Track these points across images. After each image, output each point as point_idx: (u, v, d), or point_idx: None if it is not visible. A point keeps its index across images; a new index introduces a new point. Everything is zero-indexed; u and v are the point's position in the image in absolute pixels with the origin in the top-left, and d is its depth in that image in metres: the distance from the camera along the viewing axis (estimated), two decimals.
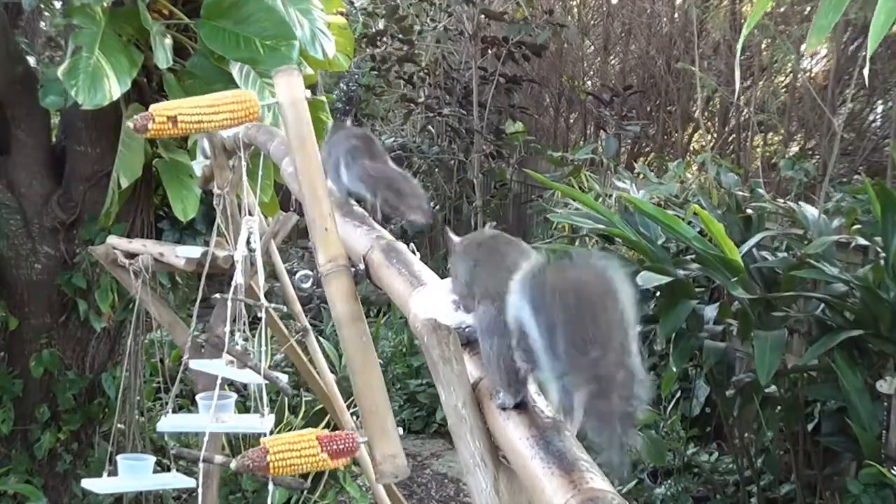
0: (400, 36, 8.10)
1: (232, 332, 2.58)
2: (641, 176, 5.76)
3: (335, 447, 1.83)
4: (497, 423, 1.23)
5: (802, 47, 6.42)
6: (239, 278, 2.55)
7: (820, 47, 6.88)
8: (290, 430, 4.56)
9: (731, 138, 7.68)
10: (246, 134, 2.79)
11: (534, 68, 8.81)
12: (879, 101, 7.01)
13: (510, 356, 1.20)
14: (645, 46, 8.57)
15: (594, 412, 1.05)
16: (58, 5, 4.12)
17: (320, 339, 3.79)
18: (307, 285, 2.44)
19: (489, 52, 8.00)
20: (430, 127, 8.65)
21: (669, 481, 4.85)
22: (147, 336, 4.33)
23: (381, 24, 8.51)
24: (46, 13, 4.49)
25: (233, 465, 1.87)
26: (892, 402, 3.82)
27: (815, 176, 5.41)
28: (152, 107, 2.01)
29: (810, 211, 4.42)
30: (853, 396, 3.66)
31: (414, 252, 1.83)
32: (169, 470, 2.99)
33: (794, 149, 6.93)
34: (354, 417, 3.89)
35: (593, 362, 1.04)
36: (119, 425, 3.91)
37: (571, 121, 9.41)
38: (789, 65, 6.97)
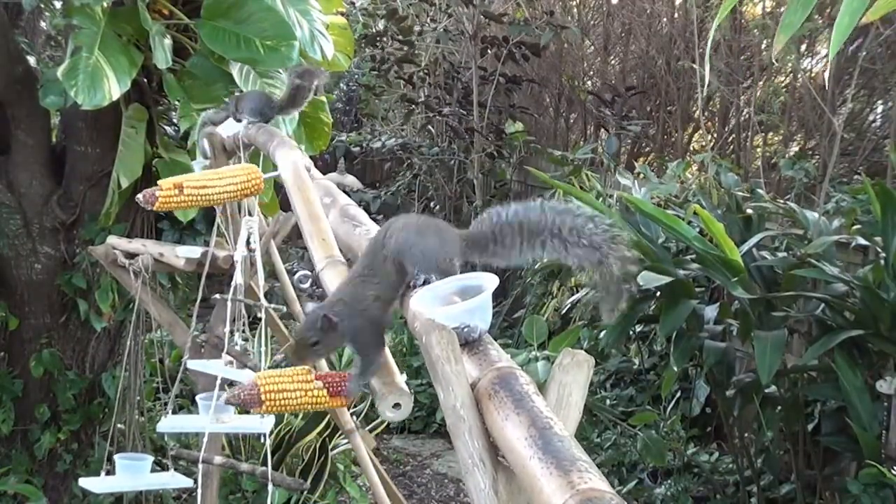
0: (400, 37, 8.10)
1: (232, 332, 2.59)
2: (642, 176, 5.75)
3: (331, 382, 1.74)
4: (496, 422, 1.23)
5: (803, 47, 6.42)
6: (239, 278, 2.55)
7: (820, 47, 6.89)
8: (290, 430, 4.56)
9: (731, 138, 7.67)
10: (246, 134, 2.80)
11: (534, 68, 8.80)
12: (879, 101, 7.01)
13: None
14: (645, 46, 8.56)
15: None
16: (58, 5, 4.12)
17: None
18: (307, 285, 2.44)
19: (489, 52, 8.00)
20: (430, 127, 8.65)
21: (669, 481, 4.85)
22: (147, 336, 4.33)
23: (381, 25, 8.50)
24: (46, 13, 4.49)
25: (223, 398, 1.79)
26: (892, 402, 3.82)
27: (815, 176, 5.41)
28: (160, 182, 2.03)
29: (810, 211, 4.42)
30: (853, 396, 3.66)
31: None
32: (168, 470, 2.99)
33: (794, 149, 6.92)
34: (355, 417, 3.90)
35: None
36: (119, 425, 3.92)
37: (571, 121, 9.41)
38: (789, 65, 6.96)
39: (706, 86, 6.51)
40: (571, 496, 1.01)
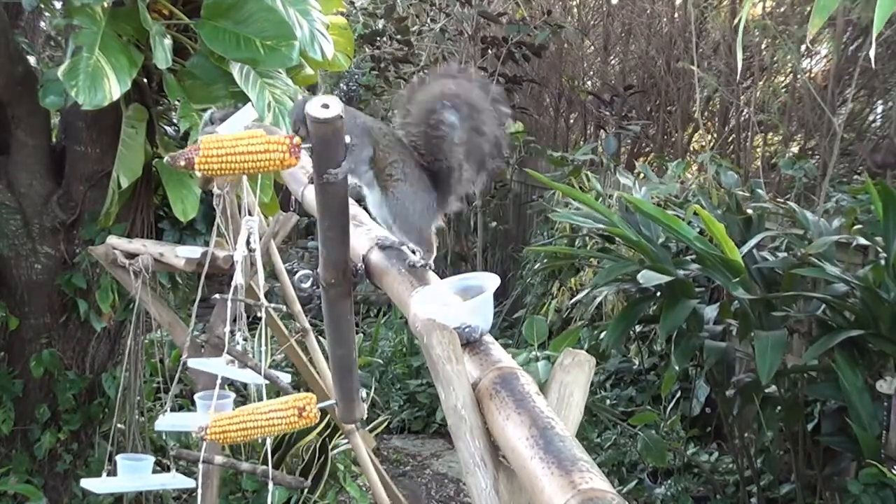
0: (398, 37, 8.10)
1: (232, 332, 2.58)
2: (642, 176, 5.76)
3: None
4: (497, 422, 1.23)
5: (803, 47, 6.41)
6: (239, 278, 2.55)
7: (819, 47, 6.89)
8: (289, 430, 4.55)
9: (731, 138, 7.68)
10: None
11: (534, 68, 8.81)
12: (879, 101, 7.01)
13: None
14: (645, 46, 8.57)
15: None
16: (58, 5, 4.12)
17: (320, 339, 3.78)
18: (307, 285, 2.44)
19: (489, 52, 8.00)
20: None
21: (669, 481, 4.85)
22: (147, 336, 4.33)
23: (380, 25, 8.50)
24: (46, 13, 4.49)
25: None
26: (892, 402, 3.81)
27: (815, 176, 5.41)
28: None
29: (810, 211, 4.42)
30: (853, 396, 3.66)
31: (413, 252, 1.83)
32: (168, 470, 2.99)
33: (795, 149, 6.93)
34: None
35: None
36: (119, 425, 3.92)
37: (571, 121, 9.41)
38: (789, 65, 6.97)
39: (703, 87, 6.50)
40: (573, 496, 1.01)
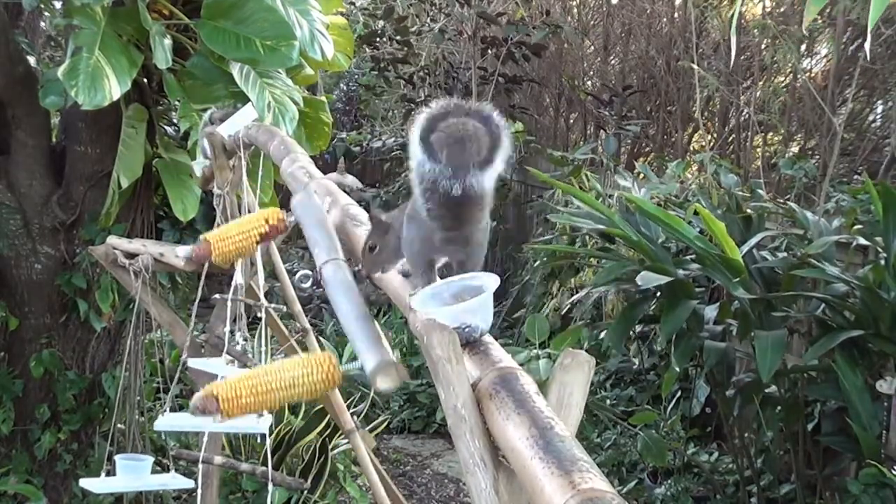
0: (398, 37, 8.10)
1: (232, 332, 2.59)
2: (642, 176, 5.75)
3: None
4: (496, 422, 1.23)
5: (803, 47, 6.42)
6: (239, 278, 2.55)
7: (820, 47, 6.89)
8: (290, 430, 4.56)
9: (731, 138, 7.68)
10: (246, 134, 2.79)
11: (534, 68, 8.81)
12: (879, 101, 7.01)
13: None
14: (645, 46, 8.57)
15: None
16: (58, 5, 4.12)
17: (320, 339, 3.79)
18: (307, 285, 2.44)
19: (489, 52, 8.00)
20: None
21: (669, 481, 4.85)
22: (147, 336, 4.33)
23: (380, 25, 8.51)
24: (46, 13, 4.49)
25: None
26: (892, 402, 3.82)
27: (815, 176, 5.41)
28: None
29: (810, 211, 4.42)
30: (853, 396, 3.66)
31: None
32: (168, 470, 2.99)
33: (794, 149, 6.93)
34: (355, 417, 3.90)
35: None
36: (119, 425, 3.92)
37: (571, 121, 9.41)
38: (789, 65, 6.97)
39: (703, 88, 6.50)
40: (572, 496, 1.01)
